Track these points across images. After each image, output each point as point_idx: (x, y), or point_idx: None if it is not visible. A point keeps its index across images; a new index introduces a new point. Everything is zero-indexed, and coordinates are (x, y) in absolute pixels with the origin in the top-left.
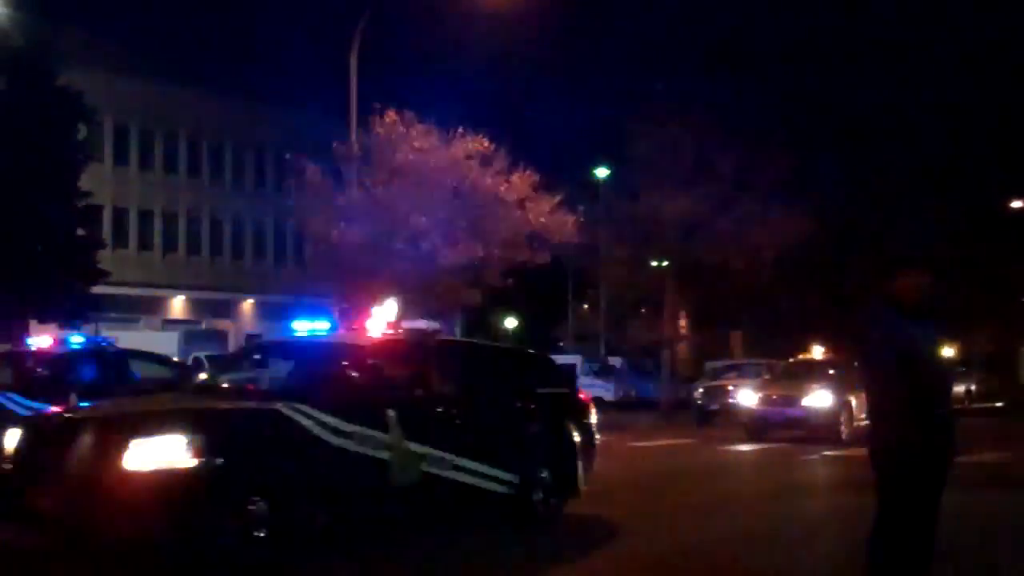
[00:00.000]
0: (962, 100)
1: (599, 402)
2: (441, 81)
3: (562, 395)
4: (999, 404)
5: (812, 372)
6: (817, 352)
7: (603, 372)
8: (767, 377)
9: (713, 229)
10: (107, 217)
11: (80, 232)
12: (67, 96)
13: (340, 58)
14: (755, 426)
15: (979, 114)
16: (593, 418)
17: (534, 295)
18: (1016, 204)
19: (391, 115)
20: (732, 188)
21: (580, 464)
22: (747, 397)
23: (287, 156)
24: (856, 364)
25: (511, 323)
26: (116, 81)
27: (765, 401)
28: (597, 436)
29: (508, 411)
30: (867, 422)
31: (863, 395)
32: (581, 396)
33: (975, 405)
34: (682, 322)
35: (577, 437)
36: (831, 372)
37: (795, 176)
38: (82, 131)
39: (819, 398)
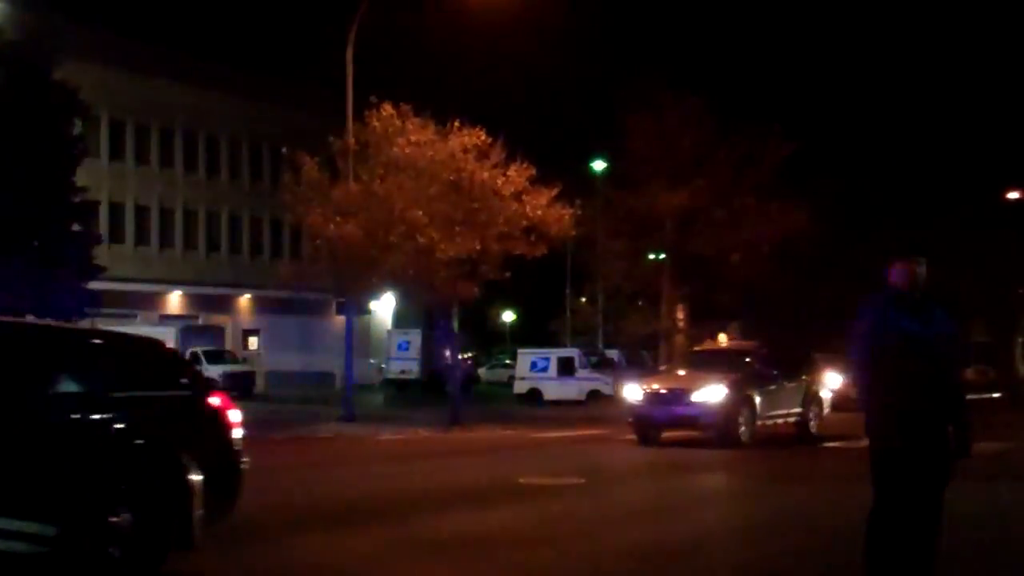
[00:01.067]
0: (961, 89)
1: (596, 395)
2: (438, 75)
3: (171, 401)
4: (996, 395)
5: (713, 363)
6: (730, 340)
7: (600, 365)
8: (663, 368)
9: (710, 222)
10: (103, 212)
11: (76, 227)
12: (63, 91)
13: (336, 52)
14: (640, 426)
15: (977, 103)
16: (236, 433)
17: (531, 288)
18: (1013, 195)
19: (387, 109)
20: (729, 180)
21: (198, 501)
22: (632, 392)
23: (284, 150)
24: (849, 355)
25: (508, 316)
26: (112, 76)
27: (650, 397)
28: (245, 460)
29: (43, 428)
30: (787, 420)
31: (777, 391)
32: (214, 402)
33: (970, 396)
34: (679, 315)
35: (195, 463)
36: (738, 363)
37: (792, 168)
38: (78, 126)
39: (711, 393)
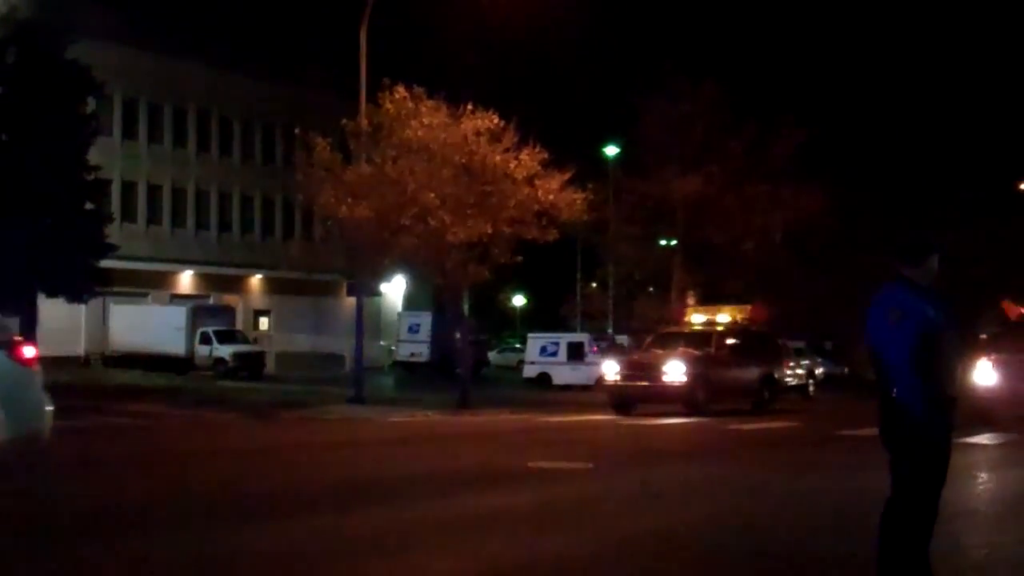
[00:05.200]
0: (976, 77)
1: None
2: (451, 57)
3: None
4: None
5: None
6: None
7: (610, 350)
8: None
9: (722, 208)
10: (116, 191)
11: (89, 206)
12: (76, 69)
13: (350, 34)
14: None
15: (992, 91)
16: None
17: (542, 273)
18: None
19: (401, 91)
20: (742, 167)
21: None
22: None
23: (296, 131)
24: (868, 344)
25: (519, 300)
26: (125, 55)
27: None
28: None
29: None
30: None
31: None
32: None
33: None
34: (690, 301)
35: None
36: None
37: (806, 155)
38: (91, 105)
39: None
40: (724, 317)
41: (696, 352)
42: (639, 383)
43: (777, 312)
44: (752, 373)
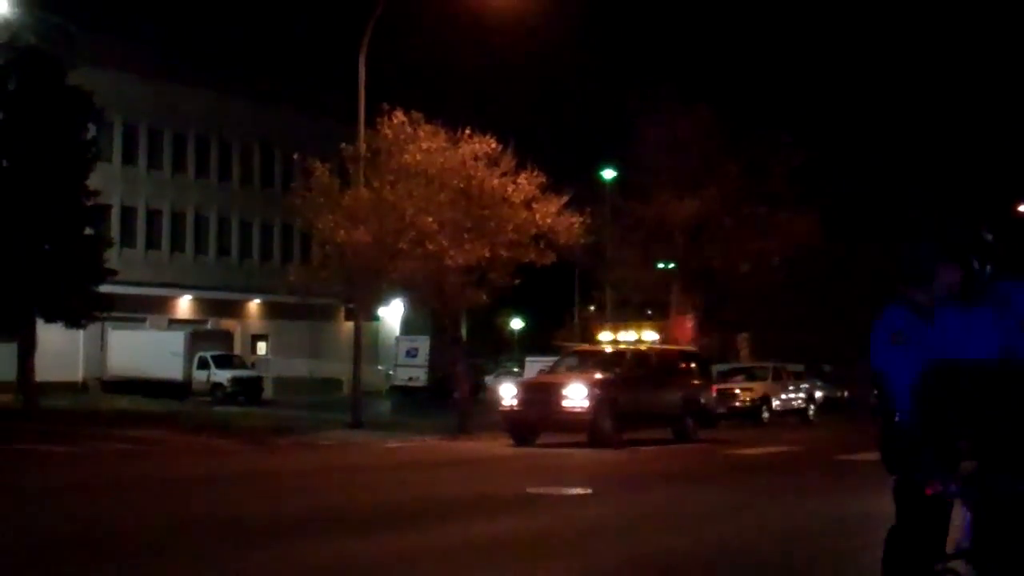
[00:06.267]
0: (974, 100)
1: None
2: (449, 82)
3: None
4: None
5: None
6: None
7: None
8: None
9: (720, 231)
10: (115, 216)
11: (88, 231)
12: (77, 95)
13: (349, 59)
14: None
15: (990, 114)
16: None
17: (540, 296)
18: None
19: (399, 116)
20: (739, 189)
21: None
22: None
23: (295, 156)
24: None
25: (517, 324)
26: (125, 81)
27: None
28: None
29: None
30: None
31: None
32: None
33: None
34: (688, 324)
35: None
36: None
37: (802, 179)
38: (91, 130)
39: None
40: (645, 335)
41: (602, 374)
42: (537, 409)
43: (776, 336)
44: (672, 397)
